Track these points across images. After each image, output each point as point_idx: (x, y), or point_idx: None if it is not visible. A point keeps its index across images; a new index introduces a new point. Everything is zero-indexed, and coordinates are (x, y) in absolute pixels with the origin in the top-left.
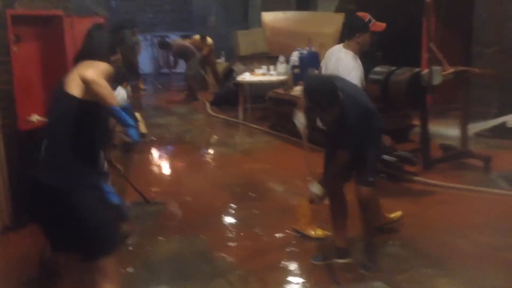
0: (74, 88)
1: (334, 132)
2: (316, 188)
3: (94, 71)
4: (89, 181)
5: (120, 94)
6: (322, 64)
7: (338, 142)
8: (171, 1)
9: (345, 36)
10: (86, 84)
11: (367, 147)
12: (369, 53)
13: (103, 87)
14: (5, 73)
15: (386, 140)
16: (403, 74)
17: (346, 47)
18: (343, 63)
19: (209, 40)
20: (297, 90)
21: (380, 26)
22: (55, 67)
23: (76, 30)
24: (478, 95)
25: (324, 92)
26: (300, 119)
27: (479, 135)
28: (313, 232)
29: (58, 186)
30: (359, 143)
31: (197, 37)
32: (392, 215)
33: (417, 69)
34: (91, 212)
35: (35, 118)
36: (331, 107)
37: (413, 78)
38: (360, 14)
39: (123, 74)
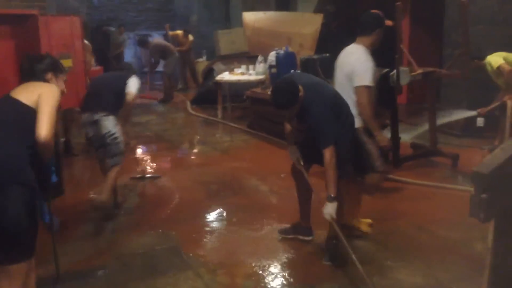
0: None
1: (301, 127)
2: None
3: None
4: (29, 182)
5: (136, 82)
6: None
7: (311, 137)
8: (153, 0)
9: (359, 33)
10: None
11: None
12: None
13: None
14: None
15: (383, 140)
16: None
17: (359, 43)
18: (355, 56)
19: (190, 37)
20: None
21: (388, 22)
22: None
23: (52, 29)
24: (449, 95)
25: (283, 93)
26: (293, 152)
27: (444, 128)
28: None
29: None
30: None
31: (179, 32)
32: (362, 226)
33: (386, 70)
34: (19, 215)
35: None
36: (292, 105)
37: (382, 78)
38: (374, 11)
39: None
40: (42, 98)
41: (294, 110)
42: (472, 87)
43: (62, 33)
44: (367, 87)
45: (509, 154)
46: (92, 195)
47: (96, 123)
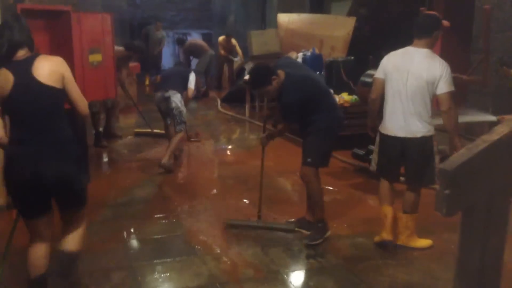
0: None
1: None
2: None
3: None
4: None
5: (194, 79)
6: (381, 74)
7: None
8: (193, 0)
9: (418, 35)
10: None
11: (307, 131)
12: (362, 56)
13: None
14: None
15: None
16: None
17: (419, 46)
18: (436, 61)
19: (233, 41)
20: None
21: (445, 23)
22: (63, 58)
23: (83, 25)
24: (475, 101)
25: (254, 74)
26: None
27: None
28: (418, 243)
29: None
30: (295, 121)
31: (220, 38)
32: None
33: None
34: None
35: None
36: (261, 86)
37: None
38: (430, 12)
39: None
40: (68, 79)
41: (269, 93)
42: (499, 93)
43: (93, 29)
44: (453, 92)
45: (473, 153)
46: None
47: (167, 99)
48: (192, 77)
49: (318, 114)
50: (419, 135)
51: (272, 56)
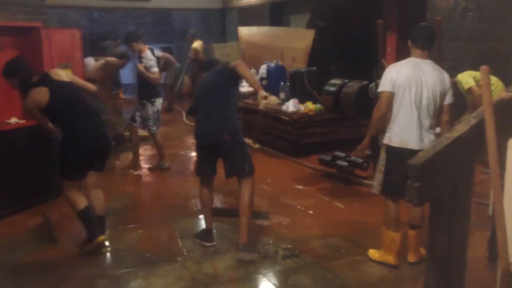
0: None
1: None
2: None
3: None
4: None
5: None
6: (389, 87)
7: None
8: (152, 14)
9: (423, 47)
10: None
11: None
12: (322, 67)
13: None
14: None
15: (359, 152)
16: (353, 86)
17: (424, 57)
18: (443, 73)
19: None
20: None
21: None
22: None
23: (53, 40)
24: None
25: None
26: None
27: None
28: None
29: None
30: None
31: (199, 43)
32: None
33: (365, 82)
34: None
35: (14, 120)
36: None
37: (361, 90)
38: (426, 25)
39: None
40: (76, 79)
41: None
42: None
43: (62, 44)
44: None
45: (438, 149)
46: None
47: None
48: None
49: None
50: None
51: None
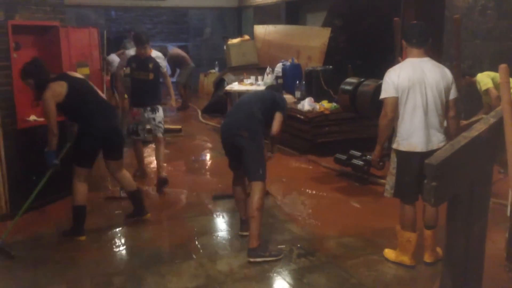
0: None
1: None
2: None
3: None
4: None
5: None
6: (393, 92)
7: None
8: (168, 13)
9: (419, 45)
10: None
11: None
12: (338, 65)
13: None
14: (6, 77)
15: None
16: (369, 85)
17: (421, 56)
18: (445, 68)
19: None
20: None
21: None
22: (52, 72)
23: (71, 39)
24: None
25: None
26: None
27: None
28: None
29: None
30: None
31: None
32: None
33: (382, 81)
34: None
35: (32, 118)
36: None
37: (377, 89)
38: (420, 22)
39: None
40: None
41: None
42: (469, 99)
43: (81, 43)
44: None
45: (456, 148)
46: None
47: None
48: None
49: None
50: (442, 144)
51: (250, 67)
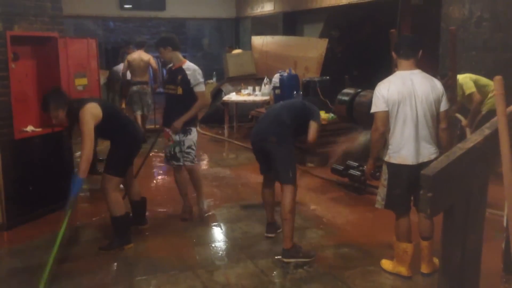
0: None
1: None
2: None
3: None
4: None
5: None
6: (383, 106)
7: None
8: (166, 24)
9: (408, 56)
10: None
11: None
12: (335, 76)
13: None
14: (3, 87)
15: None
16: (366, 95)
17: (410, 68)
18: (434, 80)
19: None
20: None
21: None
22: (50, 82)
23: (70, 50)
24: None
25: None
26: None
27: None
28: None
29: None
30: None
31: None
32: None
33: None
34: None
35: (30, 128)
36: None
37: None
38: (409, 34)
39: None
40: None
41: None
42: (463, 108)
43: (79, 54)
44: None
45: (451, 159)
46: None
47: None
48: None
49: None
50: (433, 156)
51: (248, 77)
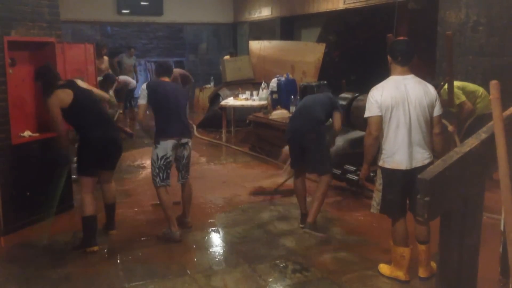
0: None
1: None
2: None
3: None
4: None
5: None
6: (377, 111)
7: None
8: (164, 29)
9: (403, 62)
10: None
11: None
12: (332, 80)
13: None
14: (1, 92)
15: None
16: (363, 100)
17: (404, 73)
18: (427, 85)
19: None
20: (275, 114)
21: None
22: None
23: (67, 55)
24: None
25: None
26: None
27: None
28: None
29: None
30: None
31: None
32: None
33: None
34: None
35: (27, 133)
36: None
37: None
38: (404, 39)
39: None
40: (94, 89)
41: None
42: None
43: (76, 59)
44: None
45: (448, 163)
46: None
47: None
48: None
49: None
50: (426, 161)
51: (245, 82)
